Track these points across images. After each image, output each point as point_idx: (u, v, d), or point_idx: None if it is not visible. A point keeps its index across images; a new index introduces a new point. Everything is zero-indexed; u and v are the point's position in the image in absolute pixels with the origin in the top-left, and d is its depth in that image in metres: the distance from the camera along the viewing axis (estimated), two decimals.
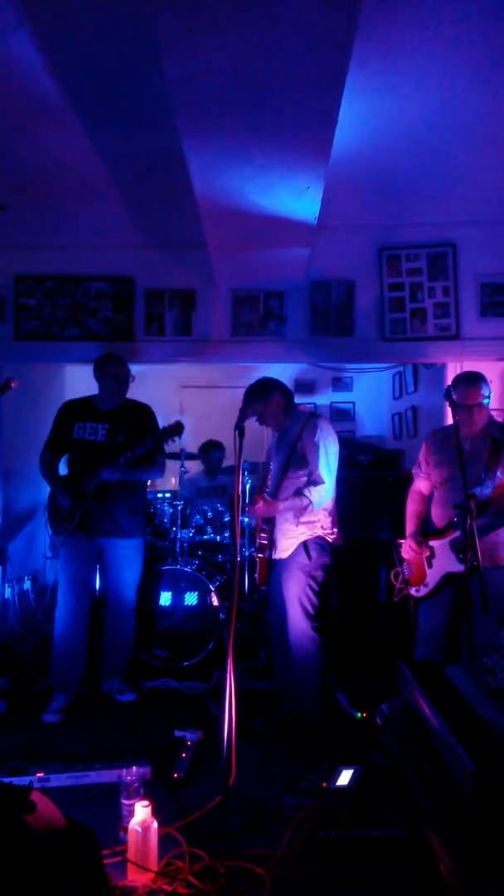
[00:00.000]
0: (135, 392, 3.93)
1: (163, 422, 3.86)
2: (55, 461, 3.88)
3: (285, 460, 3.33)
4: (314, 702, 3.24)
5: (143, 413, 3.92)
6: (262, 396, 3.31)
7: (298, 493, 3.19)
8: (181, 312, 4.33)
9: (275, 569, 3.35)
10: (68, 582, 3.76)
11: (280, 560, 3.30)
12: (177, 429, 3.68)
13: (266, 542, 3.33)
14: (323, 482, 3.19)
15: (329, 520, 3.32)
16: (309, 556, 3.22)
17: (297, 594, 3.22)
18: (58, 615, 3.75)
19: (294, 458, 3.29)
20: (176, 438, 3.70)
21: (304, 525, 3.24)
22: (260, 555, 3.36)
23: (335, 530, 3.35)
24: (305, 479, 3.24)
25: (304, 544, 3.22)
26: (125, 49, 2.33)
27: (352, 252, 4.25)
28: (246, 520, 3.58)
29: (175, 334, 4.33)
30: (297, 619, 3.21)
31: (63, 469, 3.92)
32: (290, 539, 3.26)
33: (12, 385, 3.55)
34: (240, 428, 2.84)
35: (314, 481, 3.20)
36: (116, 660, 3.89)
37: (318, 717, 3.23)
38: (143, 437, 3.65)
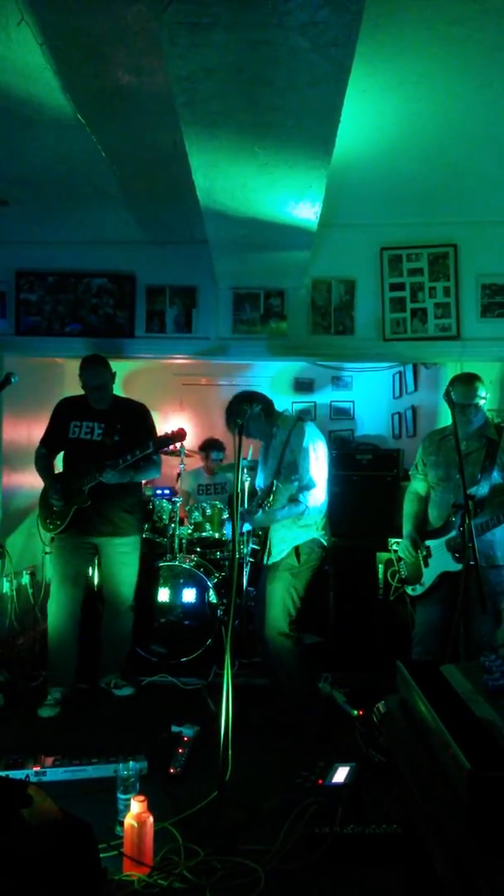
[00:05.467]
0: (135, 388, 3.93)
1: (163, 421, 3.86)
2: (50, 458, 3.89)
3: (276, 468, 3.33)
4: (301, 695, 3.27)
5: (139, 413, 3.92)
6: (241, 410, 3.28)
7: (293, 499, 3.22)
8: (182, 309, 4.33)
9: (265, 572, 3.38)
10: (61, 577, 3.77)
11: (272, 563, 3.33)
12: (179, 436, 3.68)
13: (260, 547, 3.35)
14: (315, 485, 3.22)
15: (324, 520, 3.34)
16: (299, 559, 3.26)
17: (280, 594, 3.26)
18: (51, 610, 3.78)
19: (284, 465, 3.30)
20: (178, 445, 3.68)
21: (300, 528, 3.27)
22: (252, 559, 3.37)
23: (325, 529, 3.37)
24: (297, 484, 3.25)
25: (297, 547, 3.26)
26: (128, 46, 2.33)
27: (353, 251, 4.25)
28: (247, 527, 3.59)
29: (176, 331, 4.32)
30: (275, 618, 3.25)
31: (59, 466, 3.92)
32: (285, 542, 3.29)
33: (12, 380, 3.57)
34: (240, 425, 2.83)
35: (306, 486, 3.22)
36: (114, 655, 3.91)
37: (310, 714, 3.25)
38: (144, 440, 3.65)
